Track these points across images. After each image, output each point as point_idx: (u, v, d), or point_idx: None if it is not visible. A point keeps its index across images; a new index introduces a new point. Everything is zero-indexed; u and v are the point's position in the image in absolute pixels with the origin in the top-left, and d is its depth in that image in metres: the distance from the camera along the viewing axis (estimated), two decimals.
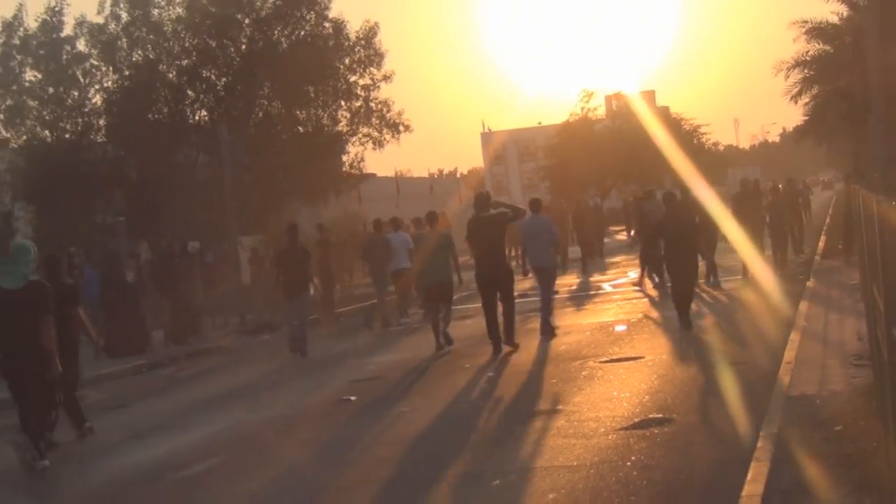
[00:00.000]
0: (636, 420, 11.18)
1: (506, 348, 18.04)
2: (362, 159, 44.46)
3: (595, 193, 63.42)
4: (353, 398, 15.06)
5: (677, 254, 18.47)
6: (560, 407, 12.42)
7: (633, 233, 39.63)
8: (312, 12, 41.88)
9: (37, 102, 39.63)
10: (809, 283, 22.22)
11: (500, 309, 18.38)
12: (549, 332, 19.30)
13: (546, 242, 19.81)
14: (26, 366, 12.29)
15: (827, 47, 41.26)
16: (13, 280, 12.38)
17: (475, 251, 18.86)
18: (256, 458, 11.90)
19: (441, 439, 11.61)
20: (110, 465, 12.55)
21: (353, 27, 42.77)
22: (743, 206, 26.55)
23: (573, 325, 20.86)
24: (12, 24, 39.13)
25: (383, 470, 10.42)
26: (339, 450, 11.69)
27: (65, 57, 39.76)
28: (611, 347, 17.21)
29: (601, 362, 15.63)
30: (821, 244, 32.44)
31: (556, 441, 10.64)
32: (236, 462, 11.81)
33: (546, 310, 19.64)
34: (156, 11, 40.80)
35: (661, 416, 11.30)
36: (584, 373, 14.84)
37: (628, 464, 9.43)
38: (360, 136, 43.36)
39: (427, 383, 15.99)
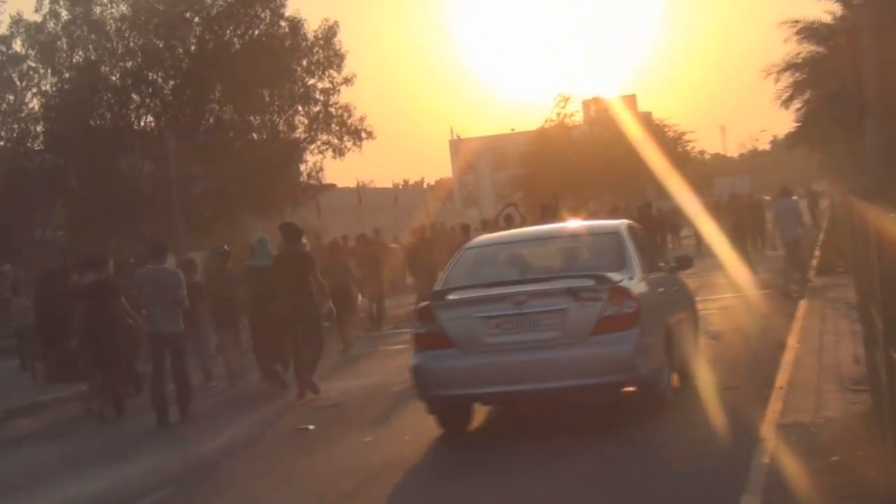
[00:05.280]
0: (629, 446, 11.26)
1: None
2: (321, 169, 44.48)
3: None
4: (311, 427, 14.97)
5: None
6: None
7: None
8: (267, 10, 41.84)
9: None
10: (803, 302, 22.30)
11: None
12: None
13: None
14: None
15: (820, 48, 41.43)
16: (263, 259, 19.41)
17: None
18: (208, 490, 11.86)
19: (408, 469, 11.61)
20: (50, 499, 12.48)
21: (312, 26, 42.83)
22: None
23: None
24: None
25: None
26: (297, 482, 11.65)
27: None
28: None
29: None
30: (814, 260, 32.55)
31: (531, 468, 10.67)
32: (186, 495, 11.78)
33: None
34: (98, 9, 40.66)
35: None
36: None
37: None
38: (318, 143, 43.34)
39: (392, 411, 15.94)
